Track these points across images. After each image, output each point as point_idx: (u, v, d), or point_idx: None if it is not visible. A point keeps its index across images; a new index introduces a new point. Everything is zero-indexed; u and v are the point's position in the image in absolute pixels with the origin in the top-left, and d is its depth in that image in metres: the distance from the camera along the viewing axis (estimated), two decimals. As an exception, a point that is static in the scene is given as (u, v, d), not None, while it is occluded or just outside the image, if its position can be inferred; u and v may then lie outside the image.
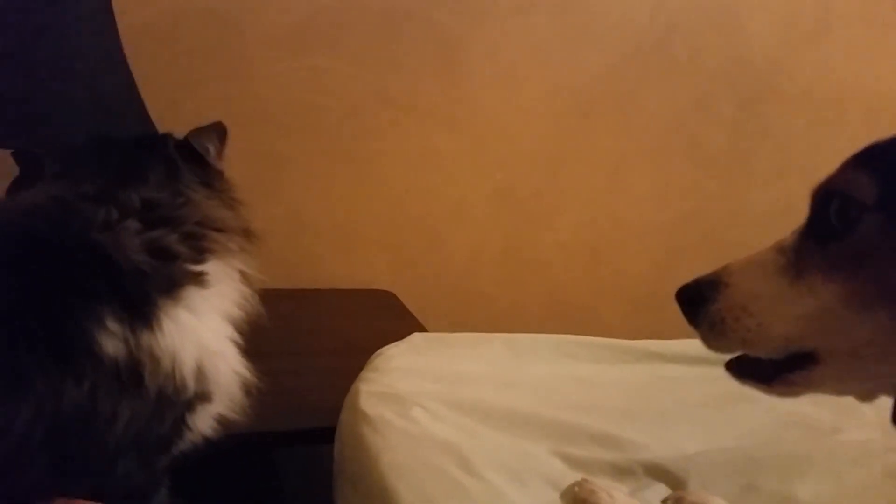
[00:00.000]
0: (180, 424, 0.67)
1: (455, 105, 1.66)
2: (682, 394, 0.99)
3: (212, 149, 0.85)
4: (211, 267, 0.71)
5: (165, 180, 0.77)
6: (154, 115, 1.15)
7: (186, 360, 0.64)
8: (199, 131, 0.86)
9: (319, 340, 1.35)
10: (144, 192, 0.72)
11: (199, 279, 0.69)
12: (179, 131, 1.38)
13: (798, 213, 1.90)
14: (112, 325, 0.58)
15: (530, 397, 0.93)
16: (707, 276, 0.58)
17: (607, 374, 1.03)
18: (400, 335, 1.06)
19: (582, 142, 1.78)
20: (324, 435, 0.95)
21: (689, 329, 1.14)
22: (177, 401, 0.64)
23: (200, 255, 0.71)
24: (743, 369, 0.58)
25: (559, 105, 1.74)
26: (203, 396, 0.67)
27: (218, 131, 0.88)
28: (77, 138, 0.99)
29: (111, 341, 0.58)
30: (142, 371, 0.60)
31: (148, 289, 0.63)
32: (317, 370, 1.19)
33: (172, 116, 1.32)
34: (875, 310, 0.49)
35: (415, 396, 0.87)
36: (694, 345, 1.15)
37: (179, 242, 0.69)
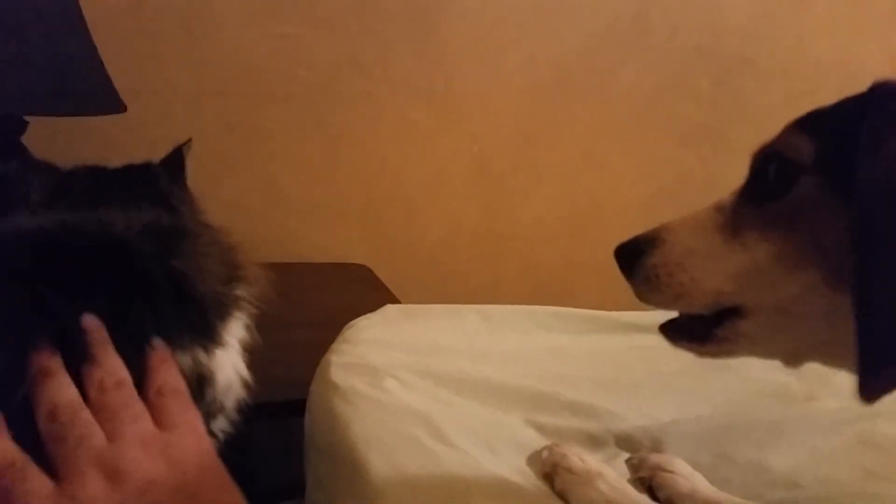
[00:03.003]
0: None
1: (430, 76, 1.63)
2: (656, 363, 0.98)
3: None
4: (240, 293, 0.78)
5: (183, 209, 0.83)
6: (121, 85, 1.12)
7: (223, 376, 0.73)
8: (187, 149, 0.87)
9: (292, 314, 1.33)
10: (182, 222, 0.78)
11: (238, 305, 0.76)
12: (148, 103, 1.35)
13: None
14: (177, 342, 0.65)
15: (504, 368, 0.92)
16: (645, 233, 0.60)
17: (582, 345, 1.02)
18: (374, 308, 1.04)
19: (559, 115, 1.77)
20: (295, 408, 0.93)
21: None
22: (212, 410, 0.73)
23: (237, 282, 0.76)
24: (676, 331, 0.60)
25: (536, 78, 1.72)
26: (221, 408, 0.75)
27: (189, 148, 0.88)
28: (37, 102, 0.96)
29: (182, 357, 0.66)
30: (203, 383, 0.69)
31: (210, 313, 0.70)
32: (289, 344, 1.17)
33: (140, 87, 1.29)
34: (805, 269, 0.50)
35: (387, 367, 0.85)
36: (668, 316, 1.15)
37: (228, 270, 0.76)
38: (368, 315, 1.00)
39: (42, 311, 0.56)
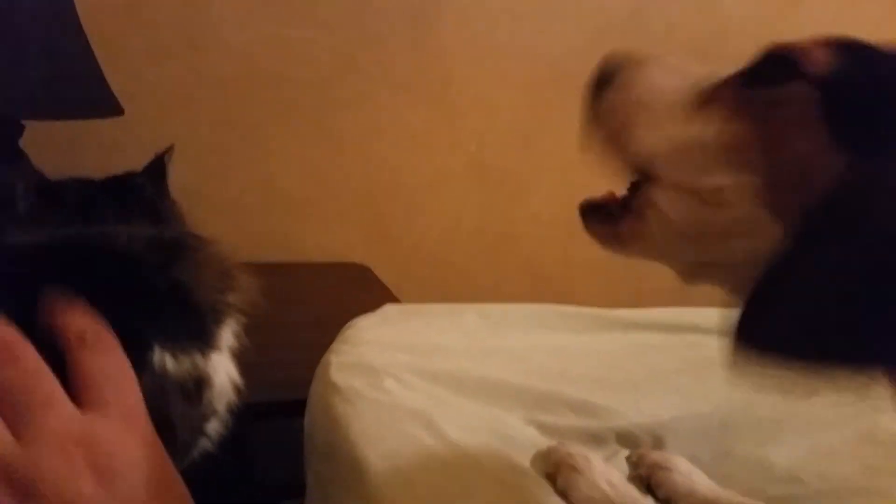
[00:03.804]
0: (200, 434, 0.74)
1: (429, 75, 1.63)
2: (657, 361, 0.98)
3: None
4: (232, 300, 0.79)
5: (170, 220, 0.83)
6: (117, 86, 1.12)
7: (219, 380, 0.72)
8: (168, 157, 0.87)
9: (292, 314, 1.33)
10: (179, 234, 0.78)
11: (231, 312, 0.76)
12: (145, 103, 1.35)
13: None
14: (177, 345, 0.66)
15: (504, 367, 0.91)
16: (629, 59, 0.57)
17: (582, 343, 1.02)
18: (374, 308, 1.04)
19: (557, 114, 1.76)
20: (295, 408, 0.93)
21: (665, 299, 1.13)
22: (207, 412, 0.72)
23: (231, 291, 0.77)
24: (593, 212, 0.60)
25: (534, 76, 1.72)
26: (214, 411, 0.74)
27: (170, 156, 0.89)
28: (33, 103, 0.96)
29: (174, 361, 0.66)
30: (201, 386, 0.69)
31: (207, 320, 0.71)
32: (289, 344, 1.17)
33: (136, 87, 1.29)
34: (746, 169, 0.47)
35: (387, 367, 0.85)
36: (669, 313, 1.15)
37: (221, 279, 0.76)
38: (368, 315, 1.00)
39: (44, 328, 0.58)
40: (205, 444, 0.79)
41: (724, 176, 0.48)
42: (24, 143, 1.09)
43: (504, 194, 1.77)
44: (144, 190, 0.86)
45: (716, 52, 1.81)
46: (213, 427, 0.79)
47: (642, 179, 0.54)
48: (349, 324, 0.98)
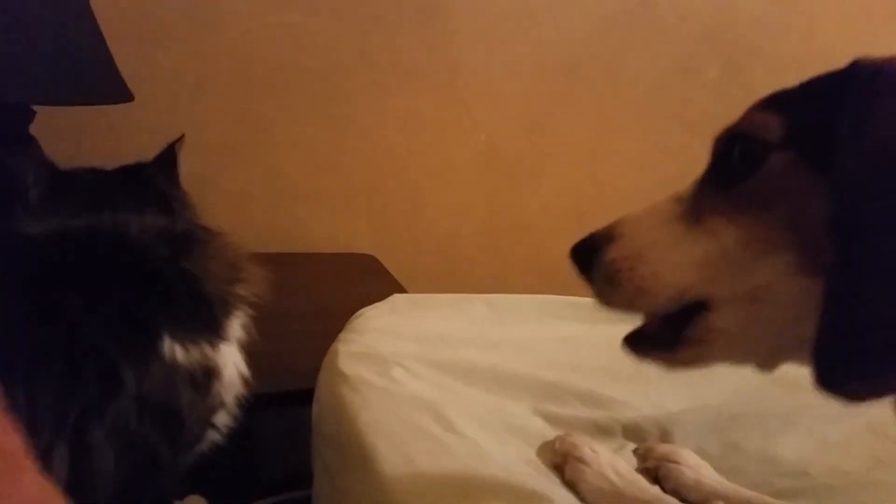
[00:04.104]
0: (209, 425, 0.78)
1: (437, 64, 1.62)
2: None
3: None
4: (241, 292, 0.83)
5: (181, 210, 0.87)
6: (126, 72, 1.12)
7: (228, 371, 0.77)
8: (179, 147, 0.88)
9: (300, 304, 1.33)
10: (190, 226, 0.82)
11: (239, 303, 0.81)
12: (154, 92, 1.35)
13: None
14: (187, 335, 0.70)
15: (513, 357, 0.91)
16: (601, 229, 0.56)
17: (590, 334, 1.01)
18: (381, 298, 1.04)
19: (567, 103, 1.76)
20: (303, 397, 0.93)
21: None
22: (215, 404, 0.77)
23: (240, 282, 0.82)
24: (642, 342, 0.56)
25: (543, 66, 1.71)
26: (222, 403, 0.79)
27: (181, 146, 0.90)
28: (43, 89, 0.96)
29: (184, 350, 0.70)
30: (210, 376, 0.73)
31: (216, 311, 0.76)
32: (297, 333, 1.17)
33: (145, 74, 1.29)
34: (777, 252, 0.47)
35: (395, 356, 0.85)
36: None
37: (230, 271, 0.81)
38: (376, 304, 1.00)
39: (60, 312, 0.59)
40: (213, 436, 0.80)
41: (764, 268, 0.48)
42: (35, 129, 1.09)
43: (513, 184, 1.77)
44: (155, 180, 0.86)
45: (726, 41, 1.80)
46: (222, 419, 0.80)
47: (688, 309, 0.52)
48: (357, 313, 0.98)
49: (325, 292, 1.43)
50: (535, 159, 1.77)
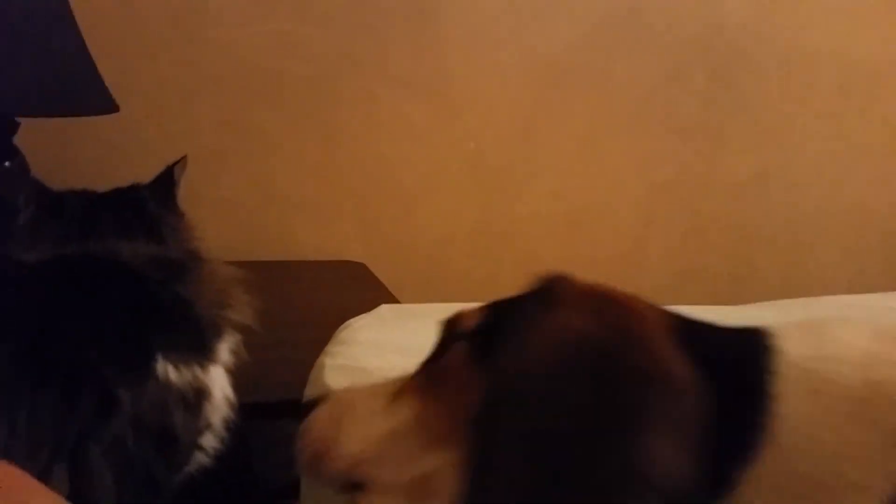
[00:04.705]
0: (197, 446, 0.79)
1: (427, 71, 1.63)
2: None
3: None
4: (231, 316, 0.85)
5: (172, 236, 0.87)
6: (111, 81, 1.11)
7: (217, 391, 0.79)
8: (179, 169, 0.88)
9: (288, 313, 1.32)
10: (173, 251, 0.84)
11: (228, 328, 0.83)
12: (141, 102, 1.34)
13: (772, 181, 1.91)
14: (179, 357, 0.72)
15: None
16: (318, 396, 0.58)
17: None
18: (372, 307, 1.03)
19: (556, 110, 1.76)
20: (290, 408, 0.93)
21: (665, 297, 1.13)
22: (203, 426, 0.78)
23: (229, 307, 0.84)
24: None
25: (533, 73, 1.71)
26: (209, 425, 0.80)
27: (184, 167, 0.90)
28: (28, 100, 0.96)
29: (176, 371, 0.72)
30: (201, 397, 0.75)
31: (206, 334, 0.78)
32: (286, 342, 1.16)
33: (131, 84, 1.28)
34: (444, 443, 0.45)
35: (381, 369, 0.85)
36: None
37: (220, 296, 0.83)
38: (363, 316, 1.00)
39: (58, 335, 0.60)
40: (201, 458, 0.80)
41: (429, 458, 0.46)
42: (18, 140, 1.09)
43: (503, 191, 1.77)
44: (146, 205, 0.86)
45: (714, 47, 1.81)
46: (209, 441, 0.81)
47: (352, 490, 0.51)
48: (344, 325, 0.97)
49: (315, 300, 1.43)
50: (526, 166, 1.77)
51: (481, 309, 0.51)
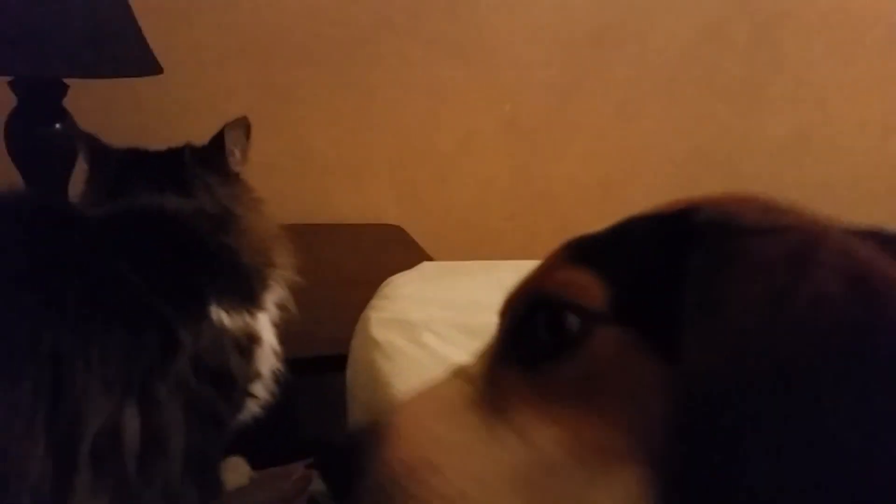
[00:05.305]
0: (248, 393, 0.82)
1: (461, 31, 1.62)
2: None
3: (237, 151, 0.93)
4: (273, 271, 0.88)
5: (207, 194, 0.89)
6: (152, 45, 1.13)
7: (266, 338, 0.82)
8: (230, 131, 0.90)
9: (328, 274, 1.34)
10: (209, 207, 0.86)
11: (273, 279, 0.86)
12: (178, 65, 1.35)
13: (813, 143, 1.88)
14: (230, 303, 0.75)
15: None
16: (368, 422, 0.40)
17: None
18: (409, 268, 1.05)
19: (592, 70, 1.74)
20: (336, 363, 0.95)
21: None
22: (254, 374, 0.81)
23: (272, 258, 0.87)
24: None
25: (570, 32, 1.69)
26: (258, 374, 0.83)
27: (245, 128, 0.92)
28: (78, 65, 0.98)
29: (228, 317, 0.74)
30: (252, 342, 0.78)
31: (252, 282, 0.81)
32: (327, 302, 1.18)
33: (171, 45, 1.30)
34: (621, 463, 0.32)
35: (425, 322, 0.86)
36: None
37: (262, 247, 0.86)
38: (405, 272, 1.01)
39: (121, 282, 0.63)
40: (252, 406, 0.83)
41: (607, 488, 0.33)
42: (67, 103, 1.11)
43: (539, 153, 1.76)
44: (183, 164, 0.89)
45: (755, 5, 1.76)
46: (259, 391, 0.84)
47: None
48: (387, 281, 0.99)
49: (353, 263, 1.45)
50: (562, 127, 1.76)
51: (575, 271, 0.37)
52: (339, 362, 0.94)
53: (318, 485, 1.04)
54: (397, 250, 1.53)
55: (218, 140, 0.90)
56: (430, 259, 1.43)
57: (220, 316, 0.73)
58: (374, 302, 0.93)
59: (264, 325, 0.83)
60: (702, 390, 0.30)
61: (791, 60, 1.85)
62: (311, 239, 1.55)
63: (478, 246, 1.76)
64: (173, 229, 0.76)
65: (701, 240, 0.34)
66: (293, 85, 1.55)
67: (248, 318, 0.78)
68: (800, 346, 0.29)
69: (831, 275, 0.31)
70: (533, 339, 0.37)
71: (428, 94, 1.64)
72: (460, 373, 0.41)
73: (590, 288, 0.36)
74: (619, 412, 0.33)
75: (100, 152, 0.86)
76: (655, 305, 0.34)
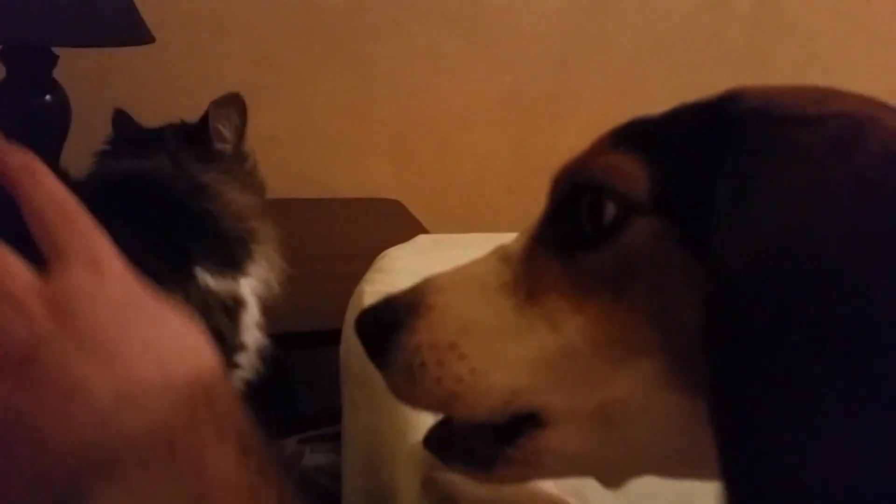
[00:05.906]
0: (234, 364, 0.83)
1: (459, 2, 1.59)
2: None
3: (224, 130, 0.92)
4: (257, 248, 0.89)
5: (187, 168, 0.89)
6: (146, 15, 1.11)
7: (251, 303, 0.83)
8: (217, 109, 0.89)
9: (325, 248, 1.34)
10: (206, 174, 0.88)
11: (254, 250, 0.87)
12: (171, 34, 1.33)
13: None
14: (213, 267, 0.77)
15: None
16: (401, 293, 0.41)
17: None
18: (407, 241, 1.04)
19: (594, 40, 1.71)
20: (330, 336, 0.95)
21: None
22: (236, 343, 0.81)
23: (250, 231, 0.88)
24: (449, 449, 0.41)
25: (569, 1, 1.66)
26: (243, 346, 0.83)
27: (236, 104, 0.90)
28: (67, 33, 0.96)
29: (213, 279, 0.76)
30: (238, 304, 0.79)
31: (235, 248, 0.82)
32: (323, 275, 1.18)
33: (165, 16, 1.28)
34: (636, 357, 0.34)
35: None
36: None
37: (242, 217, 0.86)
38: (401, 245, 1.00)
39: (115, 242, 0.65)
40: (237, 376, 0.83)
41: (621, 378, 0.34)
42: (58, 74, 1.09)
43: (539, 125, 1.74)
44: (167, 142, 0.90)
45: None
46: (244, 361, 0.84)
47: (514, 423, 0.37)
48: (382, 254, 0.98)
49: (350, 236, 1.44)
50: (562, 99, 1.73)
51: (623, 156, 0.36)
52: (334, 337, 0.93)
53: (309, 460, 1.04)
54: (395, 224, 1.52)
55: (204, 118, 0.89)
56: (427, 232, 1.42)
57: (206, 278, 0.74)
58: (369, 275, 0.92)
59: (247, 293, 0.83)
60: (734, 285, 0.29)
61: (796, 28, 1.82)
62: (308, 213, 1.55)
63: (477, 220, 1.75)
64: (155, 191, 0.78)
65: (740, 129, 0.32)
66: (289, 56, 1.53)
67: (231, 283, 0.79)
68: (841, 237, 0.28)
69: (878, 161, 0.29)
70: (572, 224, 0.37)
71: (427, 66, 1.62)
72: (499, 251, 0.41)
73: (633, 175, 0.35)
74: (648, 307, 0.33)
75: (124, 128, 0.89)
76: (693, 197, 0.33)
